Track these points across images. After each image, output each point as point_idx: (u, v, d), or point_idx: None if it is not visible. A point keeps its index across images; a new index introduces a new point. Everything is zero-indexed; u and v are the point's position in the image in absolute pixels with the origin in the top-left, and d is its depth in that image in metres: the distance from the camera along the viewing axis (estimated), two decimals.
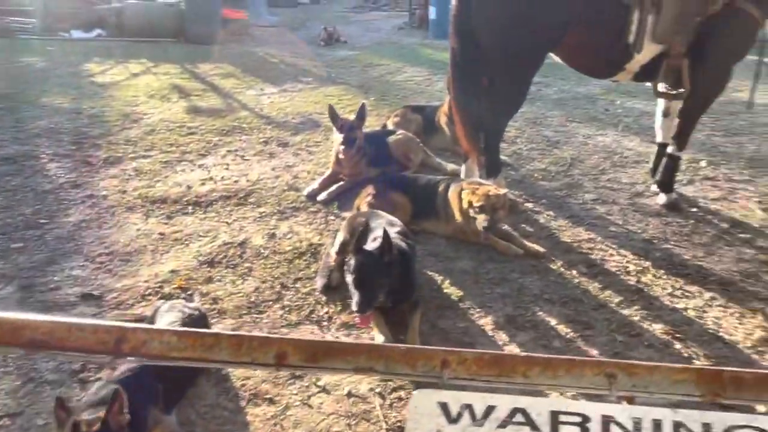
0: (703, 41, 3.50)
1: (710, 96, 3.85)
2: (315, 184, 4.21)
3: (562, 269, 3.27)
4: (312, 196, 4.12)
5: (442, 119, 5.05)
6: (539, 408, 0.77)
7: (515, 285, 3.11)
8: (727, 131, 5.84)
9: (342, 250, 3.01)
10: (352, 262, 2.58)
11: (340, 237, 3.13)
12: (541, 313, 2.87)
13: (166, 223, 3.77)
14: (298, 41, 11.85)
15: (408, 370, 0.78)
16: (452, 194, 3.58)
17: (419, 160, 4.64)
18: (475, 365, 0.79)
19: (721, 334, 2.73)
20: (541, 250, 3.40)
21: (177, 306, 2.54)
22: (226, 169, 4.70)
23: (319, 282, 3.05)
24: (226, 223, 3.78)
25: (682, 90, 3.65)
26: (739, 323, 2.80)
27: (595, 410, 0.77)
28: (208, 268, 3.24)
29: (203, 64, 8.97)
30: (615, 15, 3.36)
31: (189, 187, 4.32)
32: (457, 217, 3.49)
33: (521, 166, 4.86)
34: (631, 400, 0.79)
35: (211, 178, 4.50)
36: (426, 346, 0.85)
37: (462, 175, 4.11)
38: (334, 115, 4.18)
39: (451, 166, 4.63)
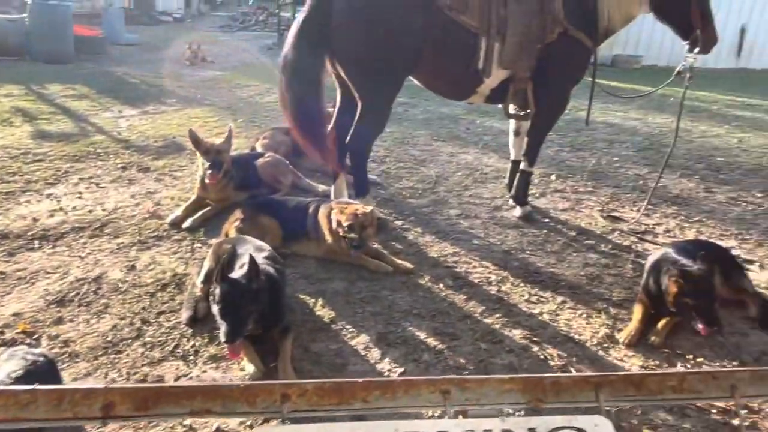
0: (544, 66, 3.84)
1: (553, 116, 4.22)
2: (179, 211, 4.03)
3: (430, 284, 3.39)
4: (176, 224, 3.93)
5: None
6: (377, 431, 0.78)
7: (386, 302, 3.16)
8: (573, 147, 6.43)
9: (208, 280, 2.90)
10: (218, 291, 2.49)
11: (206, 265, 3.01)
12: (411, 328, 2.95)
13: (7, 261, 3.40)
14: (161, 61, 11.36)
15: (247, 408, 0.76)
16: (322, 215, 3.59)
17: (289, 182, 4.61)
18: (315, 395, 0.79)
19: (572, 334, 2.96)
20: (410, 266, 3.50)
21: (18, 353, 2.29)
22: (79, 198, 4.36)
23: (185, 314, 2.90)
24: (79, 257, 3.49)
25: (528, 111, 3.97)
26: (587, 323, 3.06)
27: (431, 427, 0.80)
28: (58, 308, 2.97)
29: (52, 84, 8.31)
30: (464, 42, 3.59)
31: (35, 220, 3.95)
32: (328, 237, 3.51)
33: (390, 184, 4.99)
34: (465, 414, 0.83)
35: (61, 209, 4.15)
36: (264, 381, 0.83)
37: (332, 196, 4.14)
38: (196, 140, 4.04)
39: (321, 187, 4.65)
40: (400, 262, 3.52)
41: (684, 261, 2.95)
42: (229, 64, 11.49)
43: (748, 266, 3.71)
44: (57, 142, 5.61)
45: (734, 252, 3.91)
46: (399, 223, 4.21)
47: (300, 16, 3.65)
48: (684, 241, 3.71)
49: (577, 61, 3.99)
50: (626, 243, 4.06)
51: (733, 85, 11.73)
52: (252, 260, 2.56)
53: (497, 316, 3.09)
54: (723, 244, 3.93)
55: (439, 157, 5.84)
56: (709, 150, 6.58)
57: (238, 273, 2.63)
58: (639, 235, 4.18)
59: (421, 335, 2.90)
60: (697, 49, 3.90)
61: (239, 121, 6.80)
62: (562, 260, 3.76)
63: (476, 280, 3.45)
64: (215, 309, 2.49)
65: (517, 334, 2.94)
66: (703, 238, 4.17)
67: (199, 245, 3.70)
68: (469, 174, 5.37)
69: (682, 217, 4.56)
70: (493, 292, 3.33)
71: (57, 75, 8.99)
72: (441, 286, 3.36)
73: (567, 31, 3.77)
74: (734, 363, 2.78)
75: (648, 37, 13.29)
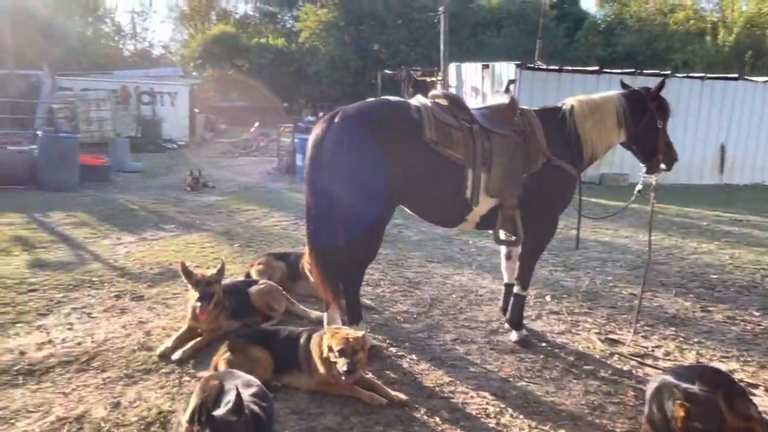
0: (531, 194, 3.98)
1: (543, 241, 4.31)
2: (169, 342, 3.96)
3: (426, 417, 3.25)
4: (165, 356, 3.85)
5: (306, 266, 5.10)
6: None
7: None
8: (566, 266, 6.47)
9: (193, 418, 2.79)
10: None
11: (192, 402, 2.91)
12: None
13: None
14: (163, 187, 11.72)
15: None
16: (314, 344, 3.53)
17: (283, 308, 4.59)
18: None
19: None
20: (404, 397, 3.38)
21: None
22: (69, 329, 4.30)
23: None
24: (63, 393, 3.38)
25: (518, 237, 4.05)
26: None
27: None
28: None
29: (55, 212, 8.50)
30: (452, 173, 3.75)
31: (22, 353, 3.86)
32: (319, 367, 3.42)
33: (384, 309, 4.96)
34: None
35: (50, 341, 4.08)
36: None
37: (325, 323, 4.09)
38: (186, 272, 4.07)
39: (315, 314, 4.62)
40: (394, 393, 3.41)
41: (686, 385, 2.87)
42: (229, 189, 11.84)
43: (752, 391, 3.60)
44: (53, 270, 5.64)
45: (736, 376, 3.82)
46: (393, 350, 4.13)
47: (306, 156, 3.81)
48: (682, 366, 3.64)
49: (562, 189, 4.15)
50: (626, 368, 3.97)
51: (718, 201, 12.06)
52: (238, 397, 2.48)
53: None
54: (723, 367, 3.86)
55: (433, 279, 5.85)
56: (702, 267, 6.62)
57: (223, 410, 2.54)
58: (639, 359, 4.09)
59: None
60: (662, 167, 4.37)
61: (236, 246, 6.89)
62: (561, 388, 3.65)
63: (474, 412, 3.33)
64: None
65: None
66: (703, 361, 4.08)
67: (187, 378, 3.60)
68: (464, 296, 5.36)
69: (681, 339, 4.49)
70: (491, 425, 3.20)
71: (60, 203, 9.23)
72: (437, 419, 3.23)
73: (551, 160, 3.95)
74: None
75: (632, 157, 13.86)
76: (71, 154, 10.95)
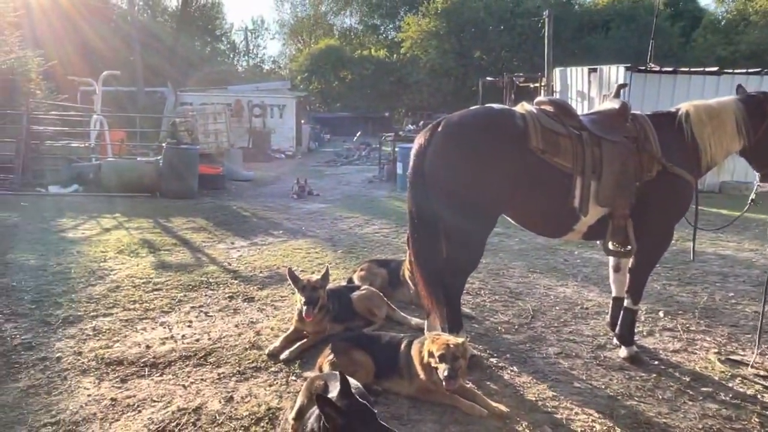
0: (645, 203, 3.79)
1: (657, 252, 4.07)
2: (277, 342, 4.17)
3: (527, 431, 3.19)
4: (274, 355, 4.05)
5: (407, 273, 5.16)
6: None
7: None
8: (681, 281, 6.07)
9: (299, 416, 2.92)
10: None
11: (299, 401, 3.05)
12: None
13: (119, 387, 3.62)
14: (272, 195, 12.32)
15: None
16: (414, 350, 3.56)
17: (383, 314, 4.67)
18: None
19: None
20: (505, 409, 3.33)
21: None
22: (189, 326, 4.65)
23: None
24: (183, 386, 3.65)
25: (629, 248, 3.86)
26: None
27: None
28: None
29: (176, 218, 9.20)
30: (559, 182, 3.64)
31: (148, 347, 4.22)
32: (420, 372, 3.45)
33: (485, 318, 4.90)
34: None
35: (172, 337, 4.43)
36: None
37: (425, 330, 4.12)
38: (294, 278, 4.27)
39: (415, 320, 4.66)
40: (495, 404, 3.36)
41: None
42: (333, 197, 12.23)
43: None
44: (175, 272, 6.11)
45: None
46: (494, 360, 4.08)
47: (410, 163, 3.87)
48: None
49: (679, 197, 3.91)
50: (750, 392, 3.65)
51: None
52: (344, 382, 2.54)
53: None
54: None
55: (535, 290, 5.71)
56: None
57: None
58: (765, 383, 3.76)
59: None
60: None
61: (339, 252, 7.11)
62: (675, 410, 3.42)
63: (579, 429, 3.21)
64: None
65: None
66: None
67: (293, 378, 3.76)
68: (568, 309, 5.18)
69: None
70: None
71: (181, 209, 9.97)
72: None
73: (666, 168, 3.75)
74: None
75: None
76: (191, 164, 11.80)
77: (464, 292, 5.05)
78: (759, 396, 3.61)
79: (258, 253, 7.02)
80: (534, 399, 3.54)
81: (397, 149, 14.34)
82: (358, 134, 28.19)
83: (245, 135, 21.07)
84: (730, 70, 13.94)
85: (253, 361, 4.00)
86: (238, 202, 11.19)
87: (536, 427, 3.22)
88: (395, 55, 38.75)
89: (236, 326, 4.66)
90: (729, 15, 36.18)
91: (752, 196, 4.23)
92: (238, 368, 3.90)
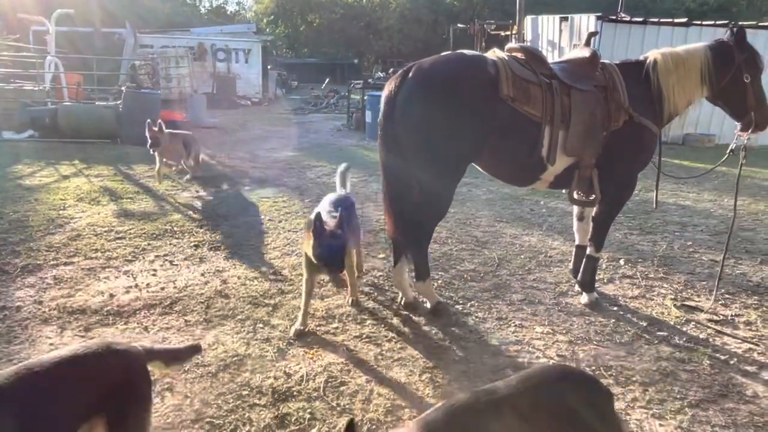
0: (610, 153, 3.82)
1: (620, 202, 4.14)
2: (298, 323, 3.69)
3: (490, 374, 3.28)
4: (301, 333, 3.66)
5: None
6: None
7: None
8: (642, 230, 6.23)
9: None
10: None
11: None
12: None
13: (83, 336, 3.57)
14: (237, 143, 12.05)
15: None
16: None
17: None
18: None
19: None
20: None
21: None
22: (153, 275, 4.58)
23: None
24: (148, 334, 3.63)
25: (593, 197, 3.91)
26: (660, 425, 2.85)
27: None
28: None
29: (138, 165, 8.95)
30: (528, 131, 3.63)
31: (112, 296, 4.16)
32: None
33: (451, 266, 4.96)
34: None
35: (136, 286, 4.37)
36: None
37: (393, 278, 4.16)
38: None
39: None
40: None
41: None
42: (301, 145, 12.03)
43: None
44: (138, 220, 5.98)
45: None
46: (459, 307, 4.15)
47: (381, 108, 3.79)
48: None
49: (643, 147, 3.95)
50: (702, 335, 3.82)
51: None
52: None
53: None
54: None
55: (501, 239, 5.79)
56: None
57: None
58: (717, 327, 3.93)
59: None
60: (751, 129, 3.98)
61: (306, 201, 7.04)
62: (632, 353, 3.56)
63: None
64: None
65: None
66: None
67: (261, 326, 3.77)
68: (532, 257, 5.28)
69: (765, 308, 4.26)
70: None
71: (142, 157, 9.66)
72: (502, 378, 3.24)
73: (633, 118, 3.76)
74: None
75: (721, 116, 12.97)
76: (152, 109, 11.39)
77: (432, 240, 5.10)
78: (710, 339, 3.77)
79: (224, 202, 6.90)
80: (497, 344, 3.64)
81: (366, 97, 14.11)
82: (326, 81, 27.58)
83: (209, 80, 20.38)
84: (699, 22, 13.98)
85: (219, 310, 3.99)
86: (201, 150, 10.91)
87: (498, 370, 3.31)
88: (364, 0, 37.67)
89: (202, 275, 4.62)
90: None
91: (732, 146, 4.18)
92: (204, 316, 3.88)
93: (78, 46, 20.01)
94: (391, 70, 22.50)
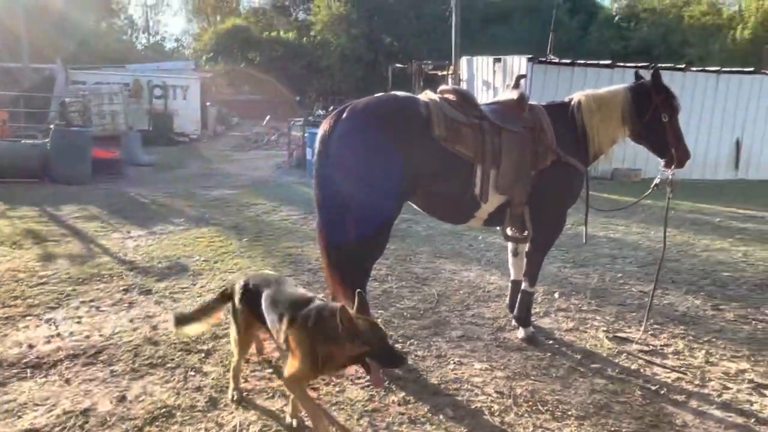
0: (540, 191, 3.94)
1: (550, 238, 4.26)
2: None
3: (429, 414, 3.24)
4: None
5: None
6: None
7: None
8: (575, 263, 6.42)
9: None
10: None
11: None
12: None
13: None
14: (174, 180, 11.77)
15: None
16: None
17: None
18: None
19: None
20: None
21: None
22: (78, 322, 4.34)
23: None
24: (70, 387, 3.41)
25: (526, 233, 4.01)
26: None
27: None
28: None
29: (66, 206, 8.58)
30: (461, 170, 3.71)
31: (31, 347, 3.90)
32: None
33: (391, 304, 4.94)
34: None
35: (58, 335, 4.11)
36: None
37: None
38: None
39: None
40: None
41: None
42: (240, 183, 11.86)
43: (763, 392, 3.55)
44: (63, 264, 5.69)
45: (746, 376, 3.78)
46: (399, 346, 4.12)
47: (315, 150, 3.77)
48: None
49: (571, 185, 4.10)
50: (634, 366, 3.93)
51: (733, 197, 11.89)
52: None
53: None
54: (734, 366, 3.81)
55: (441, 275, 5.83)
56: (714, 264, 6.54)
57: None
58: (647, 358, 4.05)
59: None
60: (673, 166, 4.20)
61: (244, 240, 6.91)
62: (567, 386, 3.61)
63: (478, 410, 3.31)
64: None
65: None
66: (713, 360, 4.03)
67: (192, 373, 3.61)
68: (471, 292, 5.33)
69: (691, 337, 4.44)
70: (496, 424, 3.18)
71: (72, 196, 9.30)
72: (441, 417, 3.22)
73: (560, 157, 3.91)
74: None
75: (646, 151, 13.71)
76: (83, 147, 11.02)
77: (371, 278, 5.07)
78: (642, 370, 3.88)
79: (157, 243, 6.67)
80: (437, 383, 3.62)
81: (306, 134, 14.12)
82: (267, 118, 27.49)
83: (145, 117, 19.94)
84: (622, 64, 14.85)
85: (148, 358, 3.80)
86: (136, 188, 10.59)
87: (438, 410, 3.28)
88: (306, 39, 38.07)
89: (131, 321, 4.40)
90: (622, 11, 38.52)
91: (656, 181, 4.37)
92: (131, 366, 3.69)
93: (5, 82, 19.22)
94: (332, 107, 22.67)
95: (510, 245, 4.50)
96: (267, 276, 3.37)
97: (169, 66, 25.43)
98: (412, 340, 4.23)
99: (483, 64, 17.55)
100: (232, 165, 14.91)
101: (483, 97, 17.10)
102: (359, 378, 3.60)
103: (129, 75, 21.43)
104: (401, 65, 25.20)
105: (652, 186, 4.43)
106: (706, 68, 16.03)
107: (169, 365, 3.71)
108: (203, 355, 3.85)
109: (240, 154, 17.98)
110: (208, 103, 24.51)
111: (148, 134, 18.27)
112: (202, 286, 5.22)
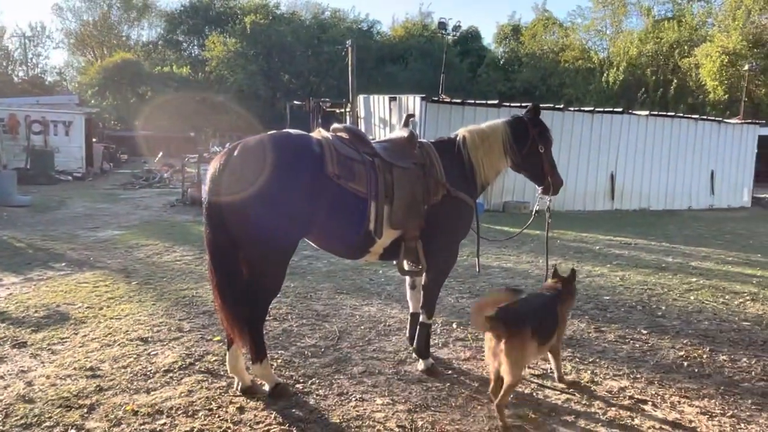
0: (432, 224, 4.08)
1: (445, 269, 4.39)
2: None
3: None
4: None
5: None
6: None
7: None
8: (471, 293, 6.64)
9: None
10: None
11: None
12: None
13: None
14: (54, 222, 10.94)
15: None
16: None
17: None
18: None
19: None
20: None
21: None
22: None
23: None
24: None
25: (420, 267, 4.12)
26: None
27: None
28: None
29: None
30: (355, 206, 3.76)
31: None
32: None
33: (291, 343, 4.84)
34: None
35: None
36: None
37: (227, 363, 3.93)
38: None
39: None
40: None
41: None
42: (129, 223, 11.25)
43: (641, 406, 3.82)
44: None
45: (627, 393, 4.05)
46: (300, 386, 4.03)
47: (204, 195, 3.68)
48: None
49: (461, 218, 4.28)
50: (528, 390, 4.09)
51: (610, 226, 12.91)
52: None
53: None
54: (616, 385, 4.07)
55: (342, 311, 5.81)
56: (596, 289, 7.02)
57: None
58: (539, 382, 4.24)
59: None
60: (550, 192, 4.60)
61: (133, 284, 6.52)
62: (466, 415, 3.69)
63: None
64: None
65: None
66: (598, 380, 4.29)
67: (73, 431, 3.31)
68: (372, 327, 5.35)
69: (578, 359, 4.71)
70: None
71: None
72: None
73: (449, 192, 4.08)
74: None
75: (532, 185, 14.65)
76: None
77: (271, 317, 4.96)
78: (534, 393, 4.05)
79: (33, 290, 6.13)
80: (338, 421, 3.56)
81: (201, 171, 13.73)
82: (159, 155, 26.46)
83: (22, 154, 18.51)
84: (508, 104, 15.87)
85: (21, 418, 3.44)
86: (9, 231, 9.73)
87: None
88: (200, 74, 37.35)
89: (1, 378, 3.99)
90: (506, 55, 41.35)
91: (536, 207, 4.73)
92: (1, 428, 3.33)
93: None
94: (228, 144, 22.27)
95: (408, 279, 4.59)
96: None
97: (50, 100, 23.90)
98: (313, 379, 4.15)
99: (379, 102, 18.06)
100: (120, 204, 14.14)
101: (379, 134, 17.55)
102: (261, 422, 3.47)
103: (4, 110, 19.88)
104: (299, 102, 25.32)
105: (533, 213, 4.83)
106: (582, 108, 17.53)
107: (46, 424, 3.38)
108: (85, 410, 3.55)
109: (129, 192, 17.12)
110: (94, 140, 23.25)
111: (26, 172, 16.99)
112: (84, 335, 4.84)
